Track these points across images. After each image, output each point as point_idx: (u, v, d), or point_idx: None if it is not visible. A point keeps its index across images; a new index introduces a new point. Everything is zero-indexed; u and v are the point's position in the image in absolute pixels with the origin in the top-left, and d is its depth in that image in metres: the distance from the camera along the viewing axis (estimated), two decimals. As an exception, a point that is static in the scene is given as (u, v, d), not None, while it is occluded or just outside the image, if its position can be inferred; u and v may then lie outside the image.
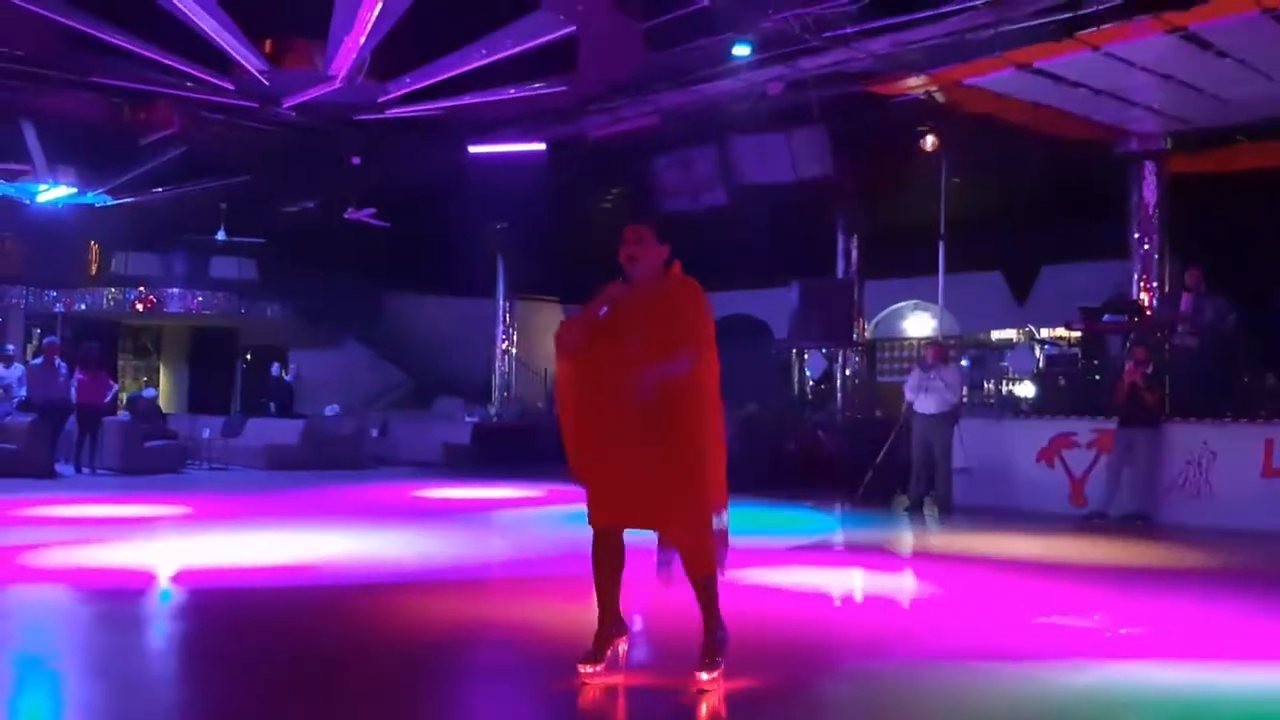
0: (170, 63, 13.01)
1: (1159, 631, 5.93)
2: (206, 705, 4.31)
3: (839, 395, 18.07)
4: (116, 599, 6.40)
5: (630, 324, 4.40)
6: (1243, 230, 14.16)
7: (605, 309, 4.46)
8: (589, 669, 4.42)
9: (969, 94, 13.22)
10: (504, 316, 23.32)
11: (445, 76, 13.26)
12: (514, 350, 23.56)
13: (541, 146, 16.01)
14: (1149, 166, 14.58)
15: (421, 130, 16.07)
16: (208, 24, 11.49)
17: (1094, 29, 11.10)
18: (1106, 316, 13.30)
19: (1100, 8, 10.65)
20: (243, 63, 12.63)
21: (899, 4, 11.32)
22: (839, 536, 10.28)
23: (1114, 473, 11.11)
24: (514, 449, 19.22)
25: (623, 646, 4.60)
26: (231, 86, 13.48)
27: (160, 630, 5.92)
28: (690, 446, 4.31)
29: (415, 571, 7.56)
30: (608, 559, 4.48)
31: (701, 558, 4.36)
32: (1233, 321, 12.31)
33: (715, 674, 4.32)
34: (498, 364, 23.36)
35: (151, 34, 12.33)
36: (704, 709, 4.20)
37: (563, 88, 13.81)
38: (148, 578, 7.33)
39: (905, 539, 10.22)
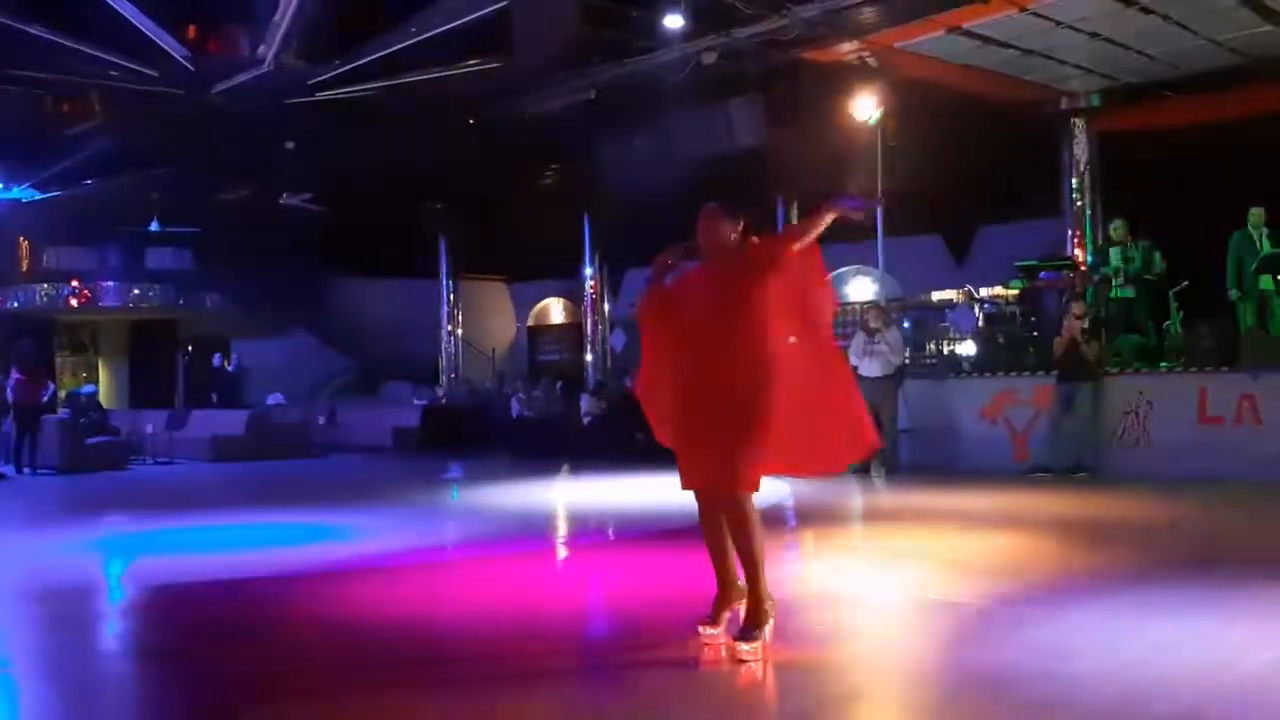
0: (92, 52, 12.72)
1: (1098, 582, 6.08)
2: (168, 703, 4.28)
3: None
4: (66, 600, 6.30)
5: (703, 298, 4.59)
6: (1172, 184, 14.41)
7: (671, 273, 4.71)
8: (708, 631, 4.52)
9: (901, 58, 13.31)
10: (448, 297, 23.18)
11: (376, 56, 13.10)
12: (459, 331, 23.44)
13: (497, 64, 15.67)
14: (1079, 124, 14.81)
15: (355, 112, 15.86)
16: (127, 10, 11.24)
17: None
18: (1043, 273, 13.50)
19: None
20: (166, 49, 12.38)
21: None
22: (788, 499, 10.37)
23: (1055, 426, 11.31)
24: (464, 430, 19.16)
25: (741, 609, 4.55)
26: (156, 74, 13.21)
27: (113, 629, 5.85)
28: (747, 414, 4.39)
29: (374, 556, 7.52)
30: (707, 522, 4.58)
31: (740, 525, 4.45)
32: (1159, 261, 12.55)
33: (755, 645, 4.36)
34: (444, 345, 23.24)
35: (71, 24, 12.05)
36: (740, 679, 4.22)
37: (496, 65, 13.69)
38: (100, 576, 7.24)
39: (854, 499, 10.35)
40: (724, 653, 4.43)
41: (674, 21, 12.64)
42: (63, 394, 20.38)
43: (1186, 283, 12.48)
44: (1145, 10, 11.81)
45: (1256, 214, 12.07)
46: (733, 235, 4.64)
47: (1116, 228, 12.93)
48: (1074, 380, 11.21)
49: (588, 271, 21.37)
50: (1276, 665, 4.26)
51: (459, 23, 12.38)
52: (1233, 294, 12.13)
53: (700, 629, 4.55)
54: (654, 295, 4.77)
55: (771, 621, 4.45)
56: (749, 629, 4.40)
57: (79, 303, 23.69)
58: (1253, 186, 12.67)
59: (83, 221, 22.16)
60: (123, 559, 7.93)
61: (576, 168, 18.56)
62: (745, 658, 4.33)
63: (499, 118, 15.98)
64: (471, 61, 13.66)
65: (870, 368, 11.96)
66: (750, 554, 4.45)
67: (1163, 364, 11.66)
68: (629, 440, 14.37)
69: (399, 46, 12.81)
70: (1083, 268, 14.03)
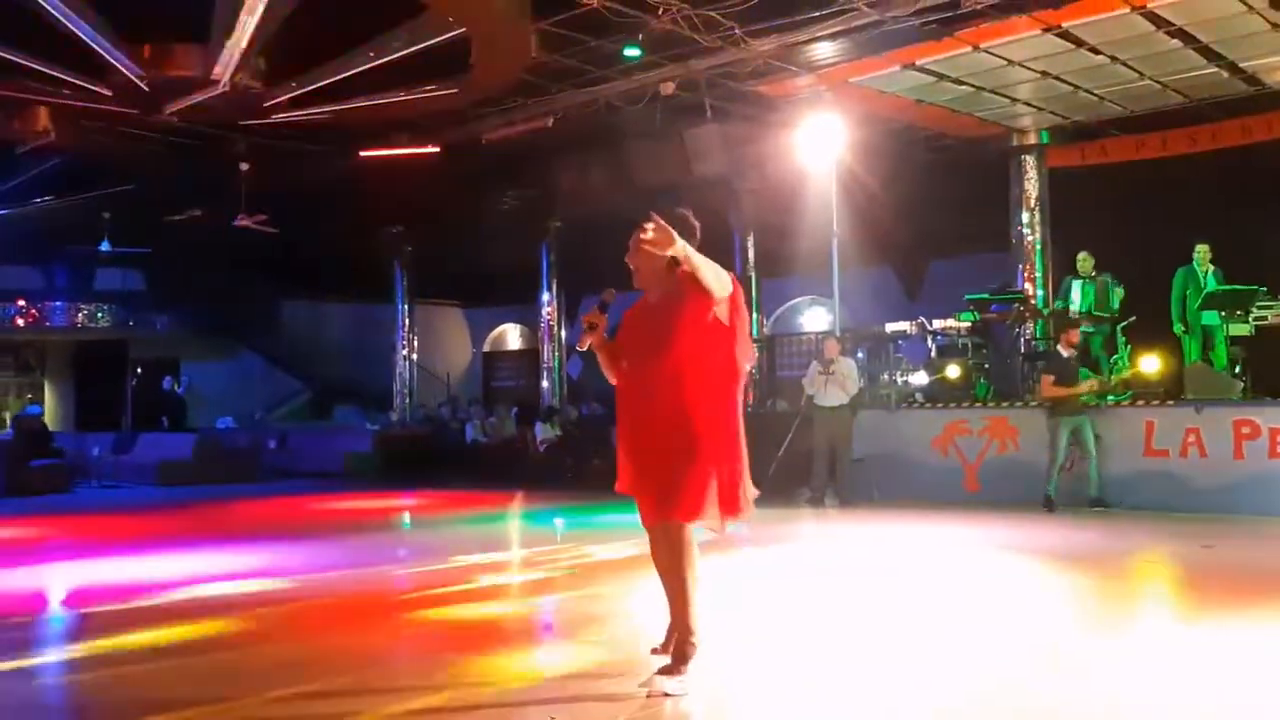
0: (44, 69, 12.56)
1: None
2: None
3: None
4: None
5: (640, 331, 4.57)
6: (1119, 220, 14.69)
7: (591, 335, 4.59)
8: (659, 658, 4.49)
9: (856, 92, 13.48)
10: (403, 322, 22.99)
11: (332, 80, 13.04)
12: (414, 356, 23.26)
13: (435, 149, 15.82)
14: (1029, 160, 15.07)
15: (311, 135, 15.78)
16: (81, 29, 11.11)
17: (972, 27, 11.43)
18: (994, 306, 13.68)
19: (978, 6, 10.93)
20: (120, 68, 12.25)
21: (785, 4, 11.45)
22: (743, 528, 10.40)
23: (1062, 463, 10.90)
24: (418, 456, 18.97)
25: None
26: (109, 92, 13.05)
27: (49, 659, 5.71)
28: (685, 448, 4.32)
29: (319, 585, 7.42)
30: (655, 555, 4.56)
31: (674, 555, 4.39)
32: (1115, 298, 12.74)
33: (678, 679, 4.27)
34: (398, 370, 23.03)
35: (23, 39, 11.88)
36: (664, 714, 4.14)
37: (454, 90, 13.68)
38: (35, 603, 7.08)
39: (805, 528, 10.38)
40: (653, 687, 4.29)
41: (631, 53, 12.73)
42: (6, 415, 20.01)
43: (1134, 318, 12.70)
44: (1094, 51, 12.07)
45: (1202, 250, 12.32)
46: (660, 264, 4.44)
47: (1083, 261, 13.08)
48: (1072, 414, 10.97)
49: (545, 298, 21.33)
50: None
51: (416, 48, 12.34)
52: (1178, 329, 12.36)
53: (653, 654, 4.54)
54: (602, 351, 4.65)
55: (694, 657, 4.36)
56: (675, 663, 4.34)
57: (26, 322, 23.31)
58: (1198, 223, 12.95)
59: (31, 240, 21.81)
60: (58, 588, 7.76)
61: (535, 194, 18.61)
62: (670, 692, 4.22)
63: (457, 142, 15.95)
64: (429, 87, 13.62)
65: (826, 397, 12.03)
66: (681, 585, 4.38)
67: (1110, 397, 11.82)
68: (585, 467, 14.35)
69: (356, 70, 12.76)
70: (1032, 300, 14.24)
